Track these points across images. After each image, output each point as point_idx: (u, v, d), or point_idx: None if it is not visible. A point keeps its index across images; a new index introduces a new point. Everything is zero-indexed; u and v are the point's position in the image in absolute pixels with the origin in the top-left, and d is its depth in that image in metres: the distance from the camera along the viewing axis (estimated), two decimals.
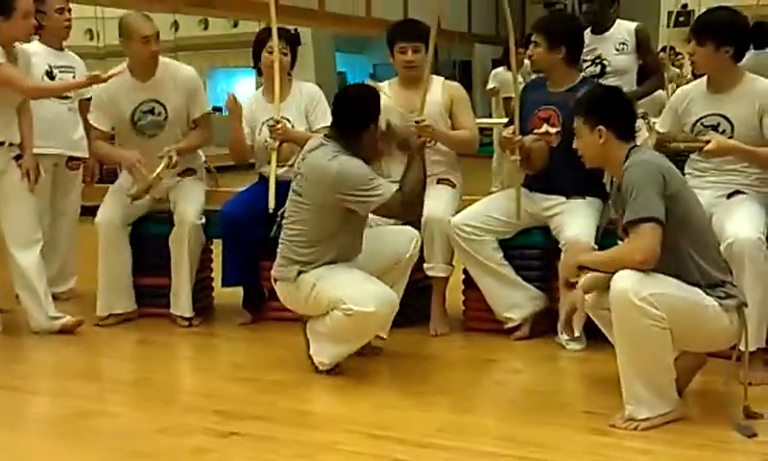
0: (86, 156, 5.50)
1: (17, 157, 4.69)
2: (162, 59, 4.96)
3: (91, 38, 16.80)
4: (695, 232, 3.32)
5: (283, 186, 4.27)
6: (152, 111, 4.90)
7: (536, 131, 4.41)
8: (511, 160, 4.46)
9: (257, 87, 5.30)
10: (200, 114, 5.00)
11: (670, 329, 3.17)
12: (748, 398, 3.31)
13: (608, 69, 5.12)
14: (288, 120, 4.78)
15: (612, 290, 3.19)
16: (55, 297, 5.41)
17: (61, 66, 5.29)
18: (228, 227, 4.78)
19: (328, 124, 4.56)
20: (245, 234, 4.73)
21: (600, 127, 3.40)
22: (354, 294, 3.78)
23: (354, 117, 3.96)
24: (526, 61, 10.66)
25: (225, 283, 4.90)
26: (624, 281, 3.17)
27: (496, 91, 10.73)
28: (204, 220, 4.86)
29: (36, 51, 5.02)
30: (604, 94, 3.65)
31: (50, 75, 5.21)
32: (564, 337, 4.25)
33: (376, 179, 3.86)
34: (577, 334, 4.12)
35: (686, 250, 3.27)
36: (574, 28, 4.61)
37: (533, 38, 4.51)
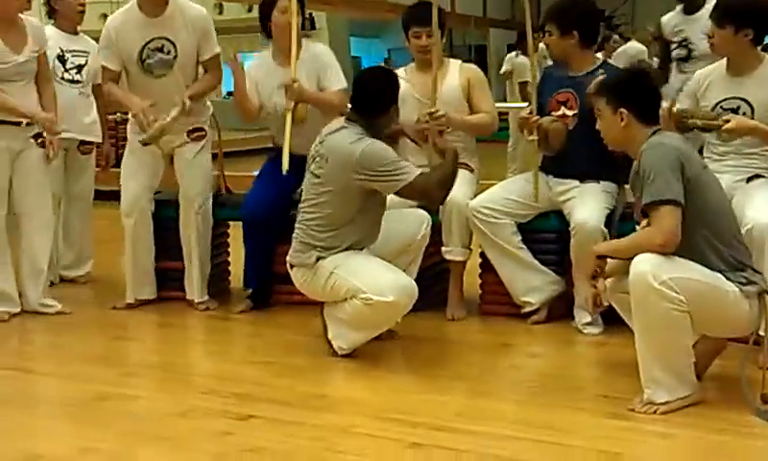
0: (99, 140, 5.51)
1: (37, 136, 4.68)
2: None
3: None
4: (715, 217, 3.29)
5: (299, 162, 4.26)
6: (161, 49, 4.73)
7: (553, 113, 4.39)
8: (528, 141, 4.44)
9: None
10: (209, 56, 4.82)
11: (689, 313, 3.15)
12: (766, 382, 3.29)
13: (694, 53, 5.02)
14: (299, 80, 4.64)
15: (632, 273, 3.18)
16: (72, 280, 5.46)
17: (74, 50, 5.28)
18: (250, 230, 4.75)
19: (344, 86, 4.57)
20: (268, 236, 4.69)
21: (622, 109, 3.38)
22: (373, 283, 3.78)
23: (374, 100, 3.97)
24: (541, 46, 10.67)
25: (248, 286, 4.85)
26: (644, 265, 3.15)
27: (510, 75, 10.70)
28: (210, 199, 4.84)
29: (49, 35, 4.99)
30: (629, 76, 3.63)
31: (61, 58, 5.21)
32: (582, 320, 4.24)
33: (401, 161, 3.87)
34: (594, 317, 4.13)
35: (706, 235, 3.25)
36: (585, 11, 4.57)
37: (546, 28, 4.50)
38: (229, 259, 5.25)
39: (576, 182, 4.36)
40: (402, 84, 4.68)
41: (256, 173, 5.02)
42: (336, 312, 3.93)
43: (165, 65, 4.75)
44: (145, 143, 4.66)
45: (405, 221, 4.22)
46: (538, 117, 4.35)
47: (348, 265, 3.86)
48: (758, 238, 3.63)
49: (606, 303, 3.47)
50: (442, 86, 4.60)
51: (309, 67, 4.76)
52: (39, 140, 4.69)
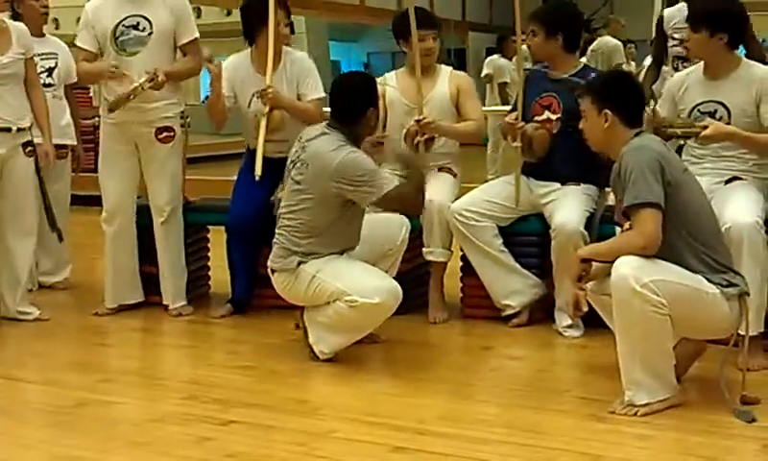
0: (74, 143, 5.46)
1: (26, 144, 4.63)
2: None
3: None
4: (696, 219, 3.31)
5: (277, 165, 4.25)
6: (136, 26, 4.66)
7: (536, 118, 4.40)
8: (512, 147, 4.44)
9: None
10: (188, 39, 4.76)
11: (670, 316, 3.16)
12: (746, 383, 3.31)
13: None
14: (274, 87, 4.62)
15: (614, 276, 3.19)
16: (51, 287, 5.41)
17: (42, 54, 5.17)
18: (236, 240, 4.73)
19: (321, 96, 4.56)
20: (252, 245, 4.68)
21: (606, 110, 3.40)
22: (358, 286, 3.78)
23: (350, 105, 3.96)
24: (523, 48, 10.70)
25: (238, 297, 4.82)
26: (625, 267, 3.16)
27: (491, 78, 10.71)
28: (180, 205, 4.80)
29: None
30: (614, 77, 3.67)
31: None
32: (563, 323, 4.26)
33: (378, 172, 3.87)
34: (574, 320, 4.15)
35: (687, 237, 3.27)
36: (571, 14, 4.60)
37: (530, 28, 4.50)
38: (209, 265, 5.22)
39: (557, 185, 4.37)
40: (390, 89, 4.71)
41: (232, 179, 5.00)
42: (317, 316, 3.92)
43: (139, 42, 4.67)
44: (110, 109, 4.60)
45: (385, 226, 4.21)
46: (523, 123, 4.36)
47: (331, 269, 3.86)
48: (737, 238, 3.64)
49: (586, 308, 3.48)
50: (431, 92, 4.62)
51: (289, 74, 4.75)
52: (28, 149, 4.64)
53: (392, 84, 4.73)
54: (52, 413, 3.55)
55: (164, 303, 4.86)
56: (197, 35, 4.80)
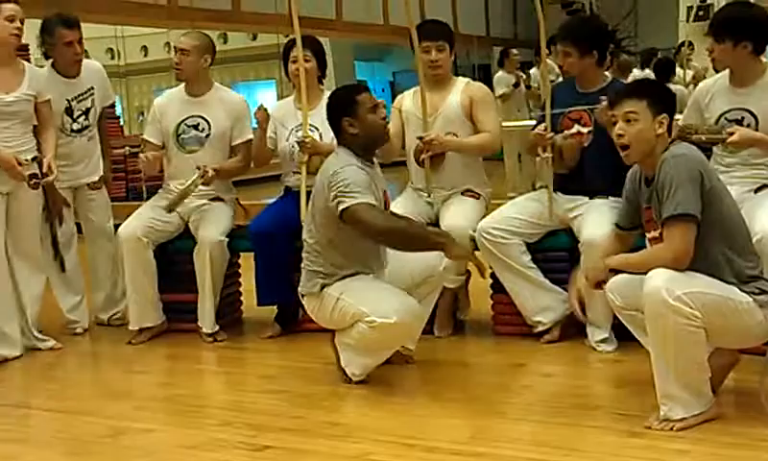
0: (101, 174, 5.44)
1: (31, 177, 4.66)
2: (218, 84, 5.18)
3: (112, 57, 16.94)
4: (729, 227, 3.28)
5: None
6: (196, 127, 5.02)
7: (566, 131, 4.38)
8: (543, 157, 4.41)
9: (278, 99, 5.33)
10: (241, 140, 5.06)
11: (705, 328, 3.14)
12: None
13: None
14: (316, 128, 4.78)
15: (646, 289, 3.16)
16: (108, 323, 5.39)
17: (78, 95, 5.18)
18: (258, 243, 4.80)
19: None
20: (276, 250, 4.73)
21: (665, 115, 3.33)
22: (376, 306, 3.78)
23: (331, 121, 4.04)
24: (548, 61, 10.67)
25: (260, 303, 4.89)
26: (657, 280, 3.14)
27: (507, 98, 10.71)
28: (226, 238, 4.87)
29: (50, 81, 5.00)
30: (665, 86, 3.57)
31: (69, 111, 5.14)
32: (596, 338, 4.24)
33: (360, 187, 3.77)
34: (606, 335, 4.14)
35: (721, 245, 3.24)
36: (602, 30, 4.59)
37: (563, 48, 4.45)
38: (241, 290, 5.25)
39: (585, 199, 4.35)
40: (407, 104, 4.73)
41: (263, 203, 5.08)
42: (345, 338, 3.93)
43: (197, 141, 5.00)
44: (169, 210, 4.84)
45: (425, 253, 4.11)
46: (552, 134, 4.35)
47: (354, 290, 3.87)
48: None
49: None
50: (443, 105, 4.63)
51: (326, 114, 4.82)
52: (33, 182, 4.68)
53: (407, 100, 4.76)
54: (88, 442, 3.57)
55: (200, 324, 4.89)
56: (250, 136, 5.07)
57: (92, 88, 5.25)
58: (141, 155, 5.04)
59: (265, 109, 4.90)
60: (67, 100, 5.13)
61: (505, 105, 10.73)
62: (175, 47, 5.05)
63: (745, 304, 3.19)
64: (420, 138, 4.50)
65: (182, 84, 5.11)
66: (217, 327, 4.90)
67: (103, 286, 5.38)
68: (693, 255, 3.18)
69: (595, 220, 4.21)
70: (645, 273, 3.22)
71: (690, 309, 3.11)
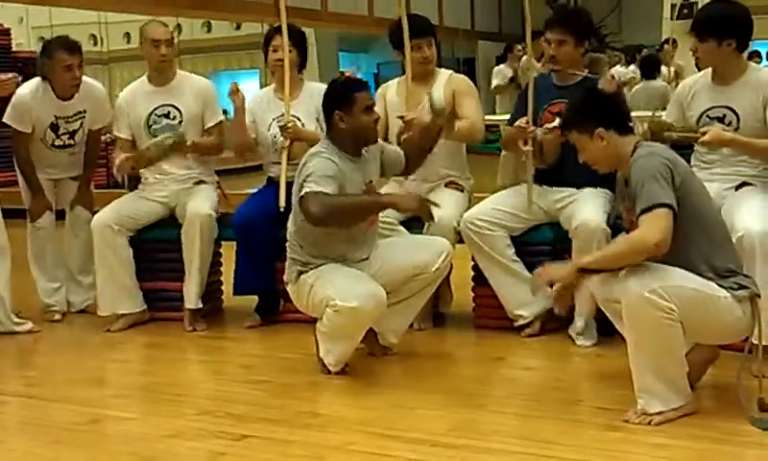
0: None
1: None
2: (180, 70, 5.13)
3: (95, 44, 16.83)
4: (705, 222, 3.30)
5: (293, 187, 4.28)
6: (167, 115, 5.00)
7: (547, 125, 4.38)
8: (524, 151, 4.42)
9: (261, 88, 5.31)
10: (213, 123, 5.06)
11: (681, 322, 3.15)
12: (763, 390, 3.29)
13: None
14: (298, 118, 4.78)
15: (622, 284, 3.18)
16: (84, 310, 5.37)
17: (68, 116, 5.15)
18: (240, 232, 4.79)
19: None
20: (258, 238, 4.73)
21: (598, 130, 3.36)
22: (341, 290, 3.78)
23: (325, 107, 4.02)
24: (525, 58, 10.69)
25: (237, 291, 4.88)
26: (633, 276, 3.16)
27: (502, 90, 10.72)
28: (216, 214, 4.88)
29: (42, 101, 5.04)
30: (586, 100, 3.55)
31: (54, 127, 5.14)
32: (575, 329, 4.26)
33: (320, 178, 3.76)
34: (585, 327, 4.17)
35: (697, 241, 3.25)
36: (591, 22, 4.62)
37: (558, 35, 4.42)
38: (222, 279, 5.24)
39: (574, 189, 4.36)
40: (391, 96, 4.72)
41: (245, 192, 5.06)
42: (320, 326, 3.94)
43: (171, 130, 4.95)
44: (135, 166, 4.88)
45: (422, 248, 4.14)
46: (534, 128, 4.35)
47: (325, 277, 3.88)
48: (749, 247, 3.63)
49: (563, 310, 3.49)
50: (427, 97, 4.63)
51: (308, 104, 4.85)
52: None
53: (390, 92, 4.76)
54: (65, 430, 3.55)
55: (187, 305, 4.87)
56: (221, 118, 5.08)
57: (84, 111, 5.20)
58: (117, 160, 4.99)
59: (239, 90, 4.82)
60: (55, 116, 5.13)
61: (501, 99, 10.76)
62: (157, 40, 4.94)
63: (722, 299, 3.21)
64: (402, 118, 4.49)
65: (144, 76, 5.11)
66: (201, 305, 4.88)
67: (78, 271, 5.36)
68: (670, 251, 3.19)
69: (588, 205, 4.20)
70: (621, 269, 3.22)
71: (666, 302, 3.12)
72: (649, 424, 3.22)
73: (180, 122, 4.98)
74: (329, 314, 3.81)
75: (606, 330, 3.86)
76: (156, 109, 5.00)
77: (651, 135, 3.89)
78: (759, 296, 3.30)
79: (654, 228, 3.14)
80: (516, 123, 4.45)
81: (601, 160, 3.45)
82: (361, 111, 3.93)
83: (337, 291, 3.79)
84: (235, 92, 4.80)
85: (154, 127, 4.99)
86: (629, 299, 3.17)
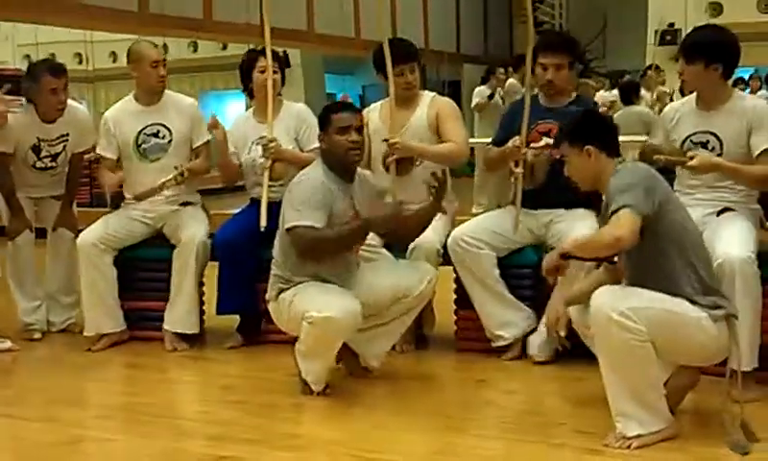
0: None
1: None
2: (166, 90, 5.11)
3: (80, 62, 16.82)
4: (684, 240, 3.32)
5: (275, 207, 4.28)
6: (156, 134, 5.00)
7: (533, 144, 4.41)
8: (515, 172, 4.44)
9: (247, 109, 5.32)
10: (201, 142, 5.06)
11: (653, 343, 3.15)
12: (744, 415, 3.30)
13: None
14: (276, 140, 4.78)
15: (592, 306, 3.22)
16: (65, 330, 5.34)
17: (51, 140, 5.16)
18: (223, 251, 4.79)
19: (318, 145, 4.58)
20: (240, 258, 4.73)
21: (588, 146, 3.43)
22: (316, 303, 3.80)
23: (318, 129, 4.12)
24: (511, 81, 10.75)
25: (220, 311, 4.87)
26: (602, 297, 3.20)
27: (482, 107, 10.74)
28: (209, 240, 4.88)
29: (24, 122, 5.04)
30: (584, 116, 3.68)
31: (36, 148, 5.14)
32: (533, 351, 4.32)
33: (309, 207, 3.84)
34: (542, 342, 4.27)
35: (676, 258, 3.28)
36: (579, 44, 4.68)
37: (557, 61, 4.46)
38: (204, 299, 5.22)
39: (562, 210, 4.39)
40: (374, 119, 4.74)
41: (229, 212, 5.06)
42: (299, 345, 3.94)
43: (160, 149, 4.99)
44: (138, 198, 4.91)
45: (405, 273, 4.16)
46: (526, 149, 4.38)
47: (303, 293, 3.89)
48: (729, 272, 3.64)
49: (563, 331, 3.55)
50: (410, 120, 4.66)
51: (288, 124, 4.88)
52: None
53: (374, 114, 4.78)
54: (45, 450, 3.53)
55: (173, 330, 4.86)
56: (208, 138, 5.05)
57: (67, 135, 5.20)
58: (100, 173, 5.01)
59: (218, 123, 4.84)
60: (38, 138, 5.13)
61: (481, 120, 10.79)
62: (156, 61, 4.95)
63: (694, 319, 3.22)
64: (386, 141, 4.50)
65: (131, 95, 5.11)
66: (197, 330, 4.90)
67: (59, 291, 5.33)
68: (649, 269, 3.23)
69: (578, 225, 4.20)
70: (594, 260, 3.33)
71: (634, 324, 3.13)
72: (629, 447, 3.22)
73: (170, 141, 4.98)
74: (305, 328, 3.82)
75: (587, 354, 3.86)
76: (144, 128, 4.99)
77: (641, 160, 3.94)
78: (736, 317, 3.32)
79: (618, 224, 3.20)
80: (510, 143, 4.45)
81: (583, 176, 3.51)
82: (335, 132, 3.99)
83: (313, 304, 3.81)
84: (215, 126, 4.82)
85: (143, 146, 4.99)
86: (598, 321, 3.20)
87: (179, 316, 4.86)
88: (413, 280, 4.09)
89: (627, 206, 3.20)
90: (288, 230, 3.87)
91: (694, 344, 3.26)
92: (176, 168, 4.84)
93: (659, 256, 3.23)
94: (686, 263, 3.29)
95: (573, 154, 3.48)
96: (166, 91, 5.13)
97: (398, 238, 4.23)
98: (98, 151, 5.13)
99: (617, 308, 3.14)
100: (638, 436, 3.22)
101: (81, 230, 5.05)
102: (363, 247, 4.21)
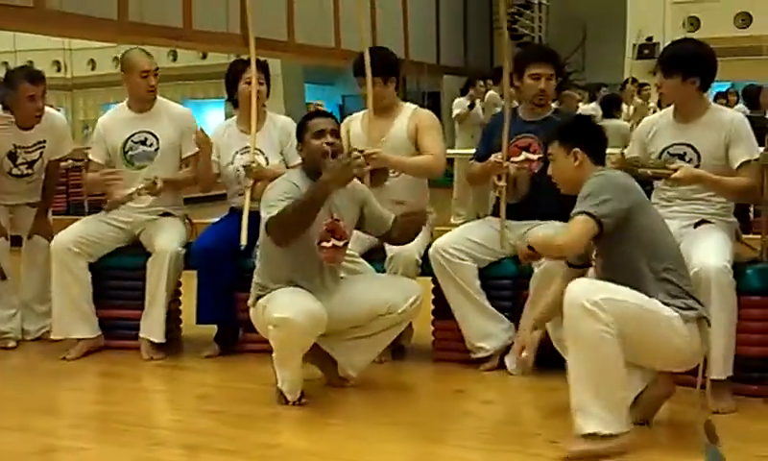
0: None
1: None
2: (160, 98, 5.11)
3: (58, 70, 16.76)
4: (654, 242, 3.35)
5: (254, 219, 4.26)
6: (144, 142, 4.98)
7: (513, 159, 4.42)
8: (498, 186, 4.45)
9: (226, 118, 5.30)
10: (191, 152, 5.01)
11: (623, 339, 3.14)
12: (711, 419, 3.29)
13: None
14: (261, 151, 4.79)
15: (566, 296, 3.22)
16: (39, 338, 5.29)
17: (28, 147, 5.14)
18: (202, 261, 4.76)
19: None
20: (219, 268, 4.70)
21: (576, 149, 3.47)
22: (279, 305, 3.81)
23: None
24: (491, 93, 10.78)
25: (200, 320, 4.84)
26: (578, 286, 3.22)
27: (463, 117, 10.78)
28: (183, 249, 4.85)
29: (1, 130, 5.03)
30: (578, 119, 3.80)
31: (12, 155, 5.12)
32: (510, 365, 4.33)
33: (279, 200, 3.85)
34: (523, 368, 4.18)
35: (646, 259, 3.30)
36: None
37: (549, 71, 4.49)
38: (181, 308, 5.19)
39: (538, 221, 4.40)
40: (355, 129, 4.74)
41: (207, 221, 5.05)
42: (274, 353, 3.93)
43: (147, 157, 4.98)
44: (107, 210, 4.91)
45: (391, 288, 4.13)
46: (508, 163, 4.39)
47: (276, 297, 3.88)
48: (705, 282, 3.66)
49: (529, 357, 3.60)
50: (389, 131, 4.66)
51: (272, 136, 4.88)
52: None
53: (356, 124, 4.77)
54: (19, 458, 3.48)
55: (145, 336, 4.82)
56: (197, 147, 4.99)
57: (44, 142, 5.18)
58: (90, 175, 4.98)
59: (204, 133, 4.85)
60: (14, 145, 5.11)
61: (461, 131, 10.83)
62: (146, 70, 4.94)
63: (666, 318, 3.23)
64: (361, 151, 4.49)
65: (125, 102, 5.11)
66: (164, 339, 4.84)
67: (34, 299, 5.27)
68: (618, 271, 3.26)
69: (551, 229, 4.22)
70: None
71: (606, 315, 3.13)
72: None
73: (157, 150, 4.97)
74: (270, 332, 3.82)
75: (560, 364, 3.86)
76: (132, 135, 4.98)
77: (624, 170, 3.96)
78: (708, 321, 3.33)
79: (568, 231, 3.28)
80: (492, 158, 4.47)
81: (564, 178, 3.54)
82: (311, 137, 4.01)
83: (276, 307, 3.81)
84: (203, 137, 4.81)
85: (130, 153, 4.98)
86: (570, 310, 3.19)
87: (150, 324, 4.83)
88: (398, 297, 4.07)
89: (582, 213, 3.27)
90: (265, 224, 3.86)
91: (665, 344, 3.26)
92: (146, 179, 4.81)
93: (627, 260, 3.27)
94: (656, 268, 3.30)
95: (561, 153, 3.52)
96: (160, 99, 5.12)
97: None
98: (90, 156, 5.14)
99: (591, 298, 3.14)
100: (594, 434, 3.17)
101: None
102: (346, 257, 4.21)
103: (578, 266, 3.60)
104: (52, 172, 5.32)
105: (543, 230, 4.00)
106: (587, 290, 3.18)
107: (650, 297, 3.25)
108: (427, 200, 4.86)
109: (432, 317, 4.66)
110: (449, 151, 9.39)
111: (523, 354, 3.61)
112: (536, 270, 4.22)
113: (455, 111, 10.92)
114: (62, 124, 5.37)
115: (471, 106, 10.73)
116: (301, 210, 3.82)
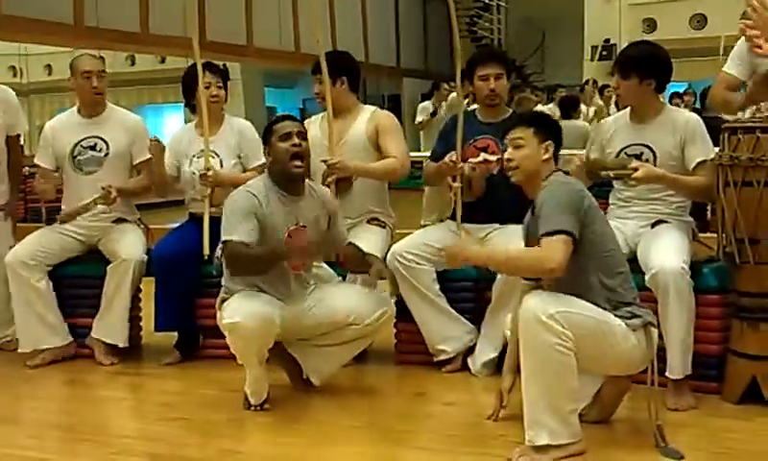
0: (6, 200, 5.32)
1: None
2: (111, 104, 5.07)
3: (15, 75, 16.57)
4: (603, 252, 3.36)
5: (215, 224, 4.24)
6: (93, 147, 4.93)
7: (471, 160, 4.45)
8: (453, 187, 4.47)
9: (186, 122, 5.28)
10: (143, 159, 4.97)
11: (578, 351, 3.16)
12: (660, 421, 3.34)
13: None
14: (217, 154, 4.76)
15: (522, 309, 3.23)
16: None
17: None
18: (160, 268, 4.74)
19: (262, 162, 4.53)
20: (178, 275, 4.68)
21: (549, 142, 3.48)
22: (231, 310, 3.80)
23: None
24: (454, 95, 10.82)
25: (158, 328, 4.82)
26: (533, 299, 3.21)
27: (426, 124, 10.83)
28: (146, 256, 4.82)
29: None
30: (549, 116, 3.82)
31: None
32: (476, 368, 4.37)
33: (239, 220, 3.83)
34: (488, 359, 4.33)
35: (594, 270, 3.32)
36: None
37: (497, 71, 4.54)
38: (141, 315, 5.15)
39: (497, 225, 4.43)
40: (314, 131, 4.72)
41: (167, 227, 5.02)
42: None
43: (96, 162, 4.92)
44: (62, 221, 4.85)
45: (360, 300, 4.12)
46: (462, 164, 4.41)
47: (232, 301, 3.87)
48: (663, 283, 3.71)
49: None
50: (348, 133, 4.65)
51: (229, 139, 4.86)
52: None
53: (314, 127, 4.75)
54: None
55: (106, 339, 4.80)
56: (150, 155, 4.92)
57: None
58: (36, 181, 4.94)
59: (158, 141, 4.83)
60: None
61: (426, 135, 10.87)
62: (88, 71, 4.90)
63: (617, 329, 3.25)
64: (325, 162, 4.51)
65: (74, 107, 5.07)
66: (128, 344, 4.83)
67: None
68: (568, 277, 3.25)
69: (512, 241, 4.18)
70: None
71: (562, 328, 3.14)
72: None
73: (106, 155, 4.92)
74: (227, 337, 3.83)
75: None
76: (82, 140, 4.93)
77: (587, 173, 4.01)
78: (654, 325, 3.36)
79: (553, 252, 3.21)
80: (446, 159, 4.49)
81: (528, 166, 3.49)
82: (277, 140, 4.00)
83: (228, 311, 3.81)
84: (154, 142, 4.79)
85: (78, 158, 4.93)
86: (526, 323, 3.19)
87: (108, 327, 4.79)
88: (366, 309, 4.07)
89: (563, 232, 3.22)
90: (222, 245, 3.87)
91: (616, 353, 3.28)
92: (102, 188, 4.76)
93: (577, 272, 3.27)
94: (602, 278, 3.32)
95: (533, 141, 3.49)
96: (111, 106, 5.08)
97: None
98: (36, 160, 5.05)
99: (547, 311, 3.15)
100: (547, 447, 3.19)
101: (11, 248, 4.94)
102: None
103: (534, 279, 3.59)
104: (13, 147, 5.25)
105: (485, 250, 3.99)
106: (542, 303, 3.18)
107: (598, 306, 3.27)
108: (388, 205, 4.87)
109: (394, 319, 4.66)
110: (418, 154, 9.45)
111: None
112: (498, 276, 4.24)
113: (418, 118, 10.96)
114: (14, 99, 5.31)
115: (434, 113, 10.78)
116: (257, 262, 3.87)
